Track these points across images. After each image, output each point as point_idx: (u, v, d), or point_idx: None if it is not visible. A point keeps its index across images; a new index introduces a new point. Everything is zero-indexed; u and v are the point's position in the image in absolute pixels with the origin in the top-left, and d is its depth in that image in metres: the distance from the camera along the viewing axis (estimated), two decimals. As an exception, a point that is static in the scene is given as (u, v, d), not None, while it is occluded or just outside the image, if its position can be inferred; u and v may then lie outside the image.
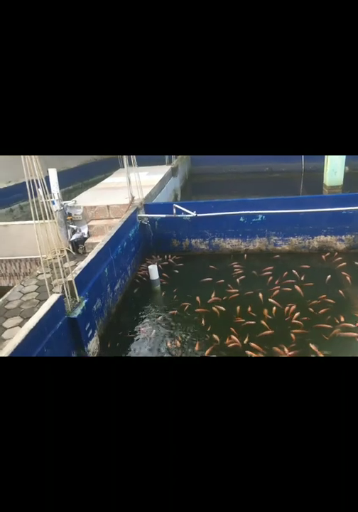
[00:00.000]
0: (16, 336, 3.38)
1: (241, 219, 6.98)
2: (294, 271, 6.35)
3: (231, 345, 4.75)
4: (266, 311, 5.37)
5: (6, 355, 3.07)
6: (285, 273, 6.28)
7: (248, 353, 4.60)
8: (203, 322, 5.28)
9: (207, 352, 4.63)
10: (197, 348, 4.79)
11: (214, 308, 5.58)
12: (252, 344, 4.70)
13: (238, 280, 6.30)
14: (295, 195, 7.17)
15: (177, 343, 4.96)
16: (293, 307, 5.36)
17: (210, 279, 6.40)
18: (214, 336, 4.95)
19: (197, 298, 5.85)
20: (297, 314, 5.20)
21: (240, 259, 7.01)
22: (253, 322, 5.18)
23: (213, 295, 5.89)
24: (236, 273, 6.55)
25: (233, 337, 4.88)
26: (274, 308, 5.45)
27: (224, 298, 5.81)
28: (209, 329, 5.12)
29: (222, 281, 6.30)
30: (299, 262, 6.64)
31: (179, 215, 7.05)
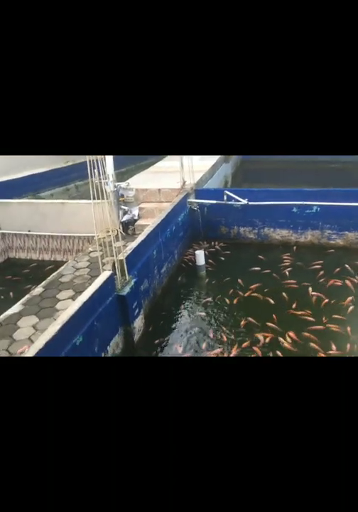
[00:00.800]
0: (70, 308, 3.60)
1: (294, 210, 6.75)
2: (347, 265, 6.06)
3: (268, 337, 4.69)
4: (313, 302, 5.20)
5: (61, 324, 3.29)
6: (338, 269, 6.00)
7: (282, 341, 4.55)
8: (245, 310, 5.24)
9: (245, 344, 4.61)
10: (233, 337, 4.78)
11: (257, 296, 5.52)
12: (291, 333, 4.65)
13: (286, 272, 6.15)
14: (355, 187, 6.73)
15: (217, 331, 4.99)
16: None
17: (258, 268, 6.30)
18: (251, 320, 4.90)
19: (239, 281, 5.81)
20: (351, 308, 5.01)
21: (289, 252, 6.81)
22: (299, 313, 5.06)
23: (259, 284, 5.80)
24: (285, 264, 6.38)
25: (270, 324, 4.84)
26: (324, 301, 5.27)
27: (268, 289, 5.71)
28: (250, 319, 5.07)
29: (269, 270, 6.19)
30: (354, 259, 6.31)
31: (229, 202, 6.96)
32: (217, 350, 4.56)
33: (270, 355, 4.42)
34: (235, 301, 5.51)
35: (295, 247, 6.96)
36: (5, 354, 3.80)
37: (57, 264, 6.41)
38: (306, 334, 4.67)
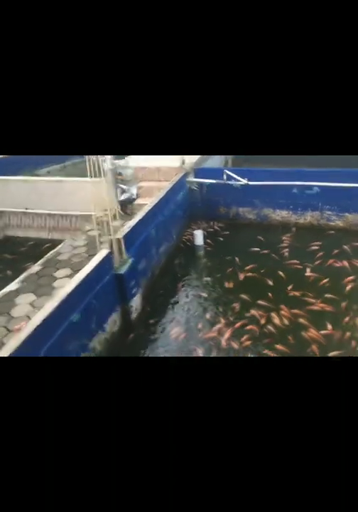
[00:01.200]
0: (68, 285, 3.59)
1: (294, 190, 6.68)
2: (346, 247, 6.05)
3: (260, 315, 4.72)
4: (310, 282, 5.22)
5: (59, 302, 3.29)
6: (336, 251, 5.99)
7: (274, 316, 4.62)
8: (243, 290, 5.26)
9: (240, 323, 4.64)
10: (230, 317, 4.81)
11: (255, 276, 5.53)
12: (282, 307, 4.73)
13: (285, 252, 6.14)
14: (356, 168, 6.65)
15: (214, 311, 5.01)
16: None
17: (257, 249, 6.29)
18: (248, 299, 4.93)
19: (238, 261, 5.81)
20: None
21: (289, 233, 6.77)
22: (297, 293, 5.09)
23: (257, 265, 5.80)
24: (284, 245, 6.36)
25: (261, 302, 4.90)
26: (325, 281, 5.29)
27: (266, 269, 5.71)
28: (247, 298, 5.09)
29: (267, 251, 6.18)
30: (353, 240, 6.29)
31: (229, 182, 6.88)
32: (215, 329, 4.60)
33: (266, 331, 4.47)
34: (233, 281, 5.52)
35: (294, 228, 6.92)
36: (3, 331, 3.81)
37: (55, 243, 6.37)
38: (296, 311, 4.71)
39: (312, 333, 4.40)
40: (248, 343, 4.36)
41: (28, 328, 2.94)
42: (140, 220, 5.06)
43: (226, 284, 5.46)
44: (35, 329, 2.98)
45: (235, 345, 4.33)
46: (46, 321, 3.05)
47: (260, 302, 4.98)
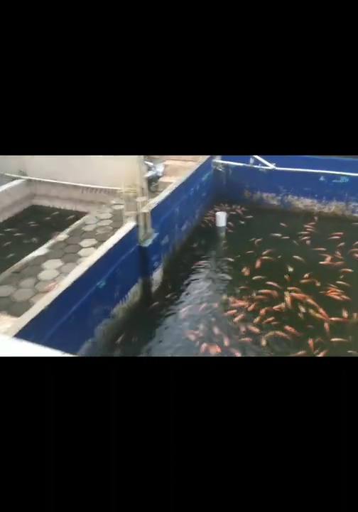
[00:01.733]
0: (96, 253, 3.75)
1: (322, 178, 6.60)
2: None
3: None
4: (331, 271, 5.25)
5: (87, 267, 3.45)
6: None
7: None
8: (260, 273, 5.33)
9: (251, 307, 4.73)
10: (246, 300, 4.91)
11: (274, 261, 5.59)
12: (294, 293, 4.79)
13: (307, 240, 6.14)
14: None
15: (231, 292, 5.11)
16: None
17: (278, 235, 6.31)
18: (266, 283, 5.00)
19: (258, 245, 5.85)
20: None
21: (311, 221, 6.74)
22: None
23: (276, 250, 5.84)
24: (306, 233, 6.35)
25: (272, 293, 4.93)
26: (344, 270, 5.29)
27: (285, 255, 5.74)
28: (265, 282, 5.16)
29: (288, 237, 6.19)
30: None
31: (255, 166, 6.86)
32: (230, 312, 4.70)
33: (278, 312, 4.55)
34: (251, 265, 5.59)
35: (316, 217, 6.87)
36: (31, 292, 4.02)
37: (79, 215, 6.53)
38: (309, 296, 4.76)
39: (321, 314, 4.49)
40: (262, 322, 4.46)
41: (59, 289, 3.12)
42: (166, 197, 5.15)
43: (245, 267, 5.54)
44: (65, 290, 3.16)
45: (249, 327, 4.44)
46: (75, 284, 3.22)
47: (276, 285, 5.05)
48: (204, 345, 4.16)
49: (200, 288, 5.24)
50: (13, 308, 3.56)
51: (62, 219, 7.11)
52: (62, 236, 5.25)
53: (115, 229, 5.34)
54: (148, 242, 4.53)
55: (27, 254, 4.78)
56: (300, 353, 4.04)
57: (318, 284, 5.07)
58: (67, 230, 5.44)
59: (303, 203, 7.02)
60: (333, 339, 4.19)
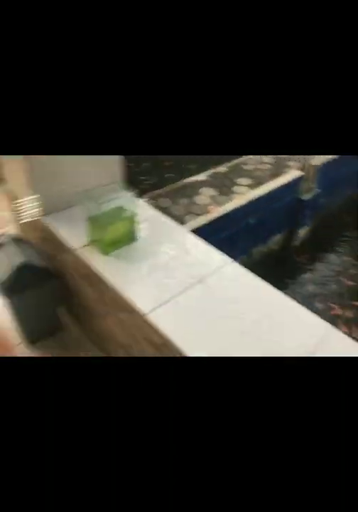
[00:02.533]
0: (256, 190, 3.84)
1: None
2: None
3: None
4: None
5: (245, 202, 3.58)
6: None
7: None
8: None
9: None
10: None
11: None
12: None
13: None
14: None
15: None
16: None
17: None
18: None
19: None
20: None
21: None
22: None
23: None
24: None
25: None
26: None
27: None
28: None
29: None
30: None
31: None
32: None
33: None
34: None
35: None
36: (183, 210, 4.43)
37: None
38: None
39: None
40: None
41: (219, 211, 3.36)
42: (339, 157, 4.76)
43: None
44: (221, 216, 3.39)
45: None
46: (234, 211, 3.41)
47: None
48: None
49: (340, 262, 4.87)
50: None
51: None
52: (222, 168, 5.48)
53: (273, 175, 5.27)
54: (308, 196, 4.37)
55: (184, 178, 5.19)
56: None
57: None
58: (229, 164, 5.62)
59: None
60: None
